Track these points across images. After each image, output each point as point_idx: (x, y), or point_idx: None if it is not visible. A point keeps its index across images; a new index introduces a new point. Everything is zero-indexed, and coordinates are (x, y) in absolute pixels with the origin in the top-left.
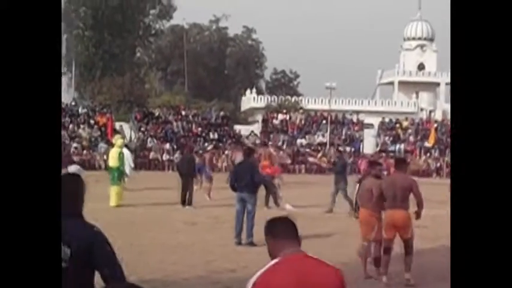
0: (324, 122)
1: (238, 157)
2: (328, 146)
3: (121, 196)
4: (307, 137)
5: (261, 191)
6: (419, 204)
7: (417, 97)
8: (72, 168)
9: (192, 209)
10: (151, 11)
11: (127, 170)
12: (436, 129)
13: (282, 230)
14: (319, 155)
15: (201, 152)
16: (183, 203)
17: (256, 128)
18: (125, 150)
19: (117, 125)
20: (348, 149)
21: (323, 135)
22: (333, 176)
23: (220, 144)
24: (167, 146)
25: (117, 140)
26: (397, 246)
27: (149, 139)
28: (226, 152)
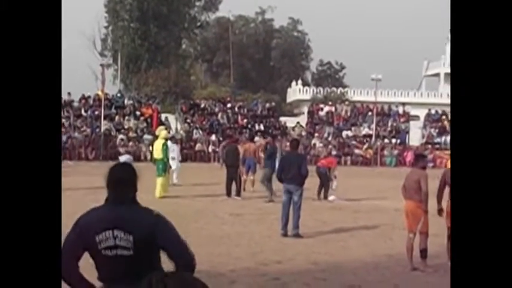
0: (370, 113)
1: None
2: (374, 138)
3: (166, 188)
4: (353, 128)
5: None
6: None
7: None
8: (124, 158)
9: (239, 200)
10: (197, 3)
11: (172, 163)
12: None
13: None
14: (365, 146)
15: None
16: (229, 194)
17: (302, 119)
18: (169, 143)
19: (163, 116)
20: (393, 140)
21: (369, 127)
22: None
23: (267, 136)
24: (213, 137)
25: (161, 132)
26: (444, 239)
27: (195, 131)
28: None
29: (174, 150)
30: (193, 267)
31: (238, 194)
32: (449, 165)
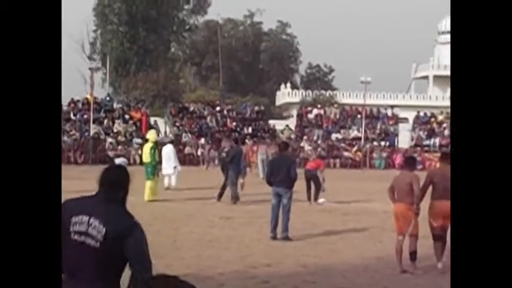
0: (359, 116)
1: (263, 151)
2: (363, 140)
3: (155, 191)
4: (342, 131)
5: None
6: None
7: None
8: (119, 161)
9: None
10: (186, 6)
11: (168, 167)
12: None
13: None
14: (354, 149)
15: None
16: (220, 196)
17: (291, 122)
18: (170, 147)
19: (152, 120)
20: (382, 143)
21: (358, 130)
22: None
23: (255, 139)
24: (202, 140)
25: (150, 135)
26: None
27: (184, 134)
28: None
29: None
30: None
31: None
32: (437, 166)
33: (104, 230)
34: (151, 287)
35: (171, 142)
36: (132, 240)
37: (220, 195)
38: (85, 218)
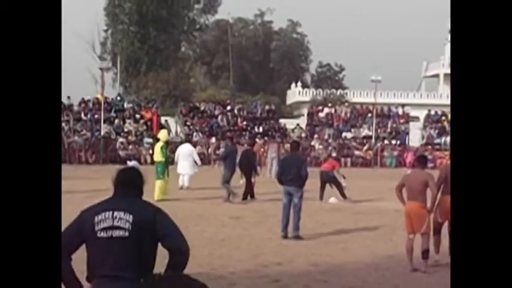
0: (370, 115)
1: (274, 150)
2: (373, 139)
3: (165, 190)
4: (352, 130)
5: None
6: None
7: None
8: (131, 164)
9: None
10: (196, 6)
11: (185, 166)
12: None
13: None
14: (365, 148)
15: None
16: (252, 196)
17: (302, 121)
18: (189, 147)
19: (163, 119)
20: (393, 142)
21: (369, 129)
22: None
23: (266, 138)
24: (213, 140)
25: (161, 135)
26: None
27: (195, 133)
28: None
29: (194, 153)
30: (186, 255)
31: (252, 195)
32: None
33: (131, 217)
34: (161, 286)
35: (188, 142)
36: (161, 222)
37: (245, 194)
38: (108, 214)
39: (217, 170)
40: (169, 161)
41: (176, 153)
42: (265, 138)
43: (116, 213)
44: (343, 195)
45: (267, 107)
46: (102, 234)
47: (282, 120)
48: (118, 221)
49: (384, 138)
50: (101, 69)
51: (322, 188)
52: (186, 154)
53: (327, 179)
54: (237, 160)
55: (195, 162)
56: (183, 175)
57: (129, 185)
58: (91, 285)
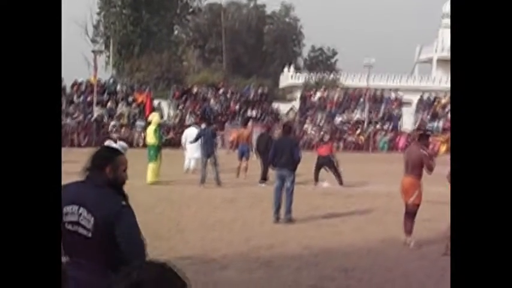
0: (362, 99)
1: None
2: (366, 123)
3: (157, 173)
4: (345, 114)
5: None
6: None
7: None
8: (118, 145)
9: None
10: None
11: (192, 150)
12: None
13: None
14: (358, 132)
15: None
16: (265, 179)
17: (295, 105)
18: (194, 130)
19: (156, 102)
20: (386, 126)
21: (361, 113)
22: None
23: (259, 122)
24: (203, 125)
25: (153, 117)
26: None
27: (187, 116)
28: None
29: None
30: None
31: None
32: (442, 150)
33: (93, 219)
34: (142, 280)
35: (196, 124)
36: (122, 225)
37: (263, 177)
38: (75, 208)
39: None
40: (162, 143)
41: (183, 137)
42: (258, 121)
43: (81, 210)
44: (341, 181)
45: (259, 90)
46: (69, 227)
47: (275, 104)
48: (82, 220)
49: (377, 122)
50: (94, 51)
51: (317, 171)
52: (193, 137)
53: (324, 163)
54: (214, 143)
55: None
56: (190, 159)
57: (100, 169)
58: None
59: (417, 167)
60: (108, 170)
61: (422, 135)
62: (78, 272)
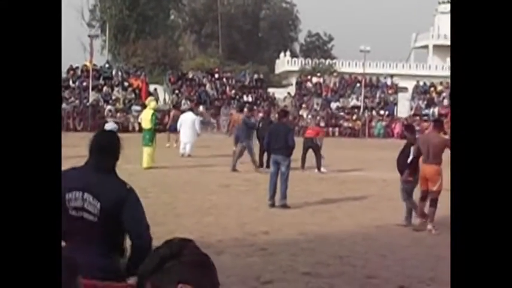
0: (358, 85)
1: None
2: (362, 109)
3: (153, 158)
4: (341, 100)
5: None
6: None
7: None
8: (109, 126)
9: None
10: None
11: (189, 134)
12: None
13: None
14: (353, 118)
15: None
16: (261, 165)
17: (290, 90)
18: (192, 115)
19: (151, 87)
20: (382, 112)
21: (357, 99)
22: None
23: (255, 107)
24: (201, 108)
25: (150, 102)
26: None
27: (183, 101)
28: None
29: (196, 121)
30: (147, 251)
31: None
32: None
33: (99, 204)
34: (181, 254)
35: (191, 110)
36: (129, 209)
37: (260, 163)
38: (79, 194)
39: (211, 138)
40: (157, 128)
41: (179, 121)
42: (254, 107)
43: (86, 195)
44: (319, 167)
45: (255, 76)
46: (73, 213)
47: (270, 89)
48: (87, 205)
49: (372, 108)
50: (90, 36)
51: (304, 154)
52: (189, 122)
53: (309, 145)
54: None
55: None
56: (185, 143)
57: (104, 153)
58: (64, 246)
59: (438, 154)
60: (114, 155)
61: (436, 122)
62: (83, 257)
